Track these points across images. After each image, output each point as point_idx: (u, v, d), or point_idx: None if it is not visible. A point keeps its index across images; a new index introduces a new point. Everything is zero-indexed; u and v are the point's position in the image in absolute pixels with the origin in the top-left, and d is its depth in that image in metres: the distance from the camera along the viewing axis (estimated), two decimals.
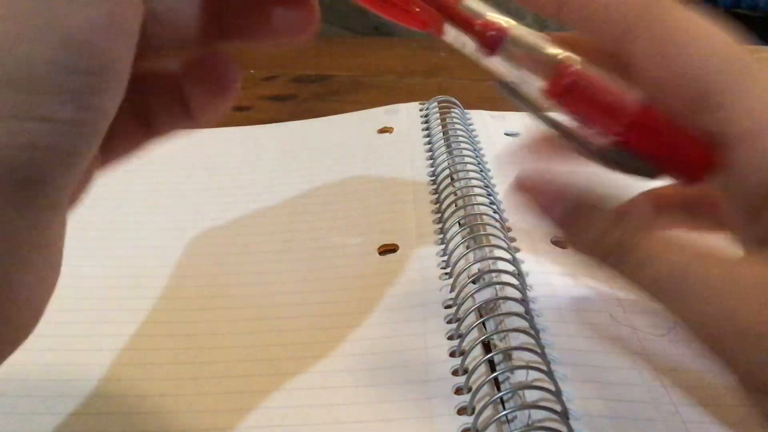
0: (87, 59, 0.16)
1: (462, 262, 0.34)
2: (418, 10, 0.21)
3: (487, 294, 0.32)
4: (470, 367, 0.28)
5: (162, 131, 0.23)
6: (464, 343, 0.29)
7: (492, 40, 0.20)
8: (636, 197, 0.25)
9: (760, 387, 0.19)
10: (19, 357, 0.18)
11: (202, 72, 0.22)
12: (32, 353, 0.22)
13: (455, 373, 0.28)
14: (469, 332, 0.30)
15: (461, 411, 0.26)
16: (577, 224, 0.21)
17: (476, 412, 0.26)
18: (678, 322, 0.20)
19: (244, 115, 0.54)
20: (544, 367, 0.27)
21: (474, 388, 0.27)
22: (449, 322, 0.31)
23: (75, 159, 0.17)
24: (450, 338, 0.30)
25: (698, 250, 0.19)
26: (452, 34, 0.21)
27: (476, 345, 0.29)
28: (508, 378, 0.27)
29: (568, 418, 0.25)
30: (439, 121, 0.48)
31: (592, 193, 0.21)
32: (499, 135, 0.48)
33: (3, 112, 0.15)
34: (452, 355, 0.29)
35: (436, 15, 0.21)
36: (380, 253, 0.37)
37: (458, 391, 0.27)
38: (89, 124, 0.16)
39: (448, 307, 0.32)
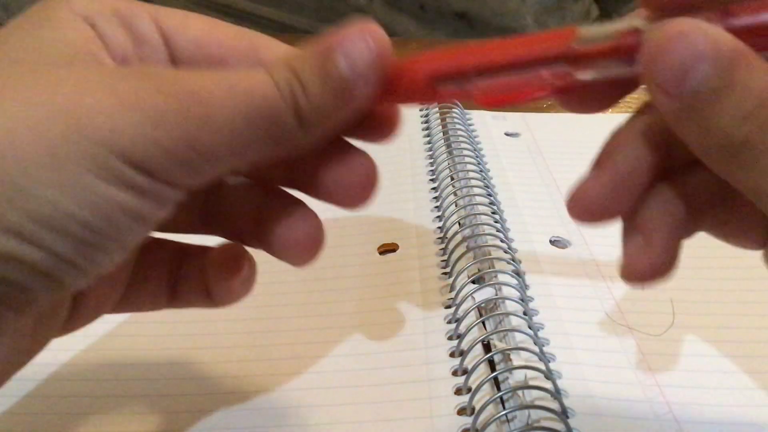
0: (104, 224, 0.17)
1: (462, 262, 0.34)
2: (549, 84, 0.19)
3: (486, 294, 0.32)
4: (470, 367, 0.28)
5: (181, 303, 0.25)
6: (464, 343, 0.29)
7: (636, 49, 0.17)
8: None
9: None
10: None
11: (220, 254, 0.25)
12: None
13: (455, 373, 0.28)
14: (469, 332, 0.30)
15: (461, 411, 0.27)
16: (704, 101, 0.17)
17: (476, 412, 0.26)
18: None
19: None
20: (543, 367, 0.27)
21: (474, 388, 0.27)
22: (449, 322, 0.31)
23: (54, 286, 0.18)
24: (450, 338, 0.30)
25: None
26: (589, 73, 0.18)
27: (476, 345, 0.29)
28: (507, 378, 0.27)
29: (567, 417, 0.26)
30: (439, 121, 0.49)
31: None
32: (500, 135, 0.49)
33: (9, 228, 0.16)
34: (452, 355, 0.29)
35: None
36: (380, 253, 0.37)
37: (458, 391, 0.28)
38: (80, 267, 0.18)
39: (448, 307, 0.32)
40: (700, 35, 0.16)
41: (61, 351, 0.30)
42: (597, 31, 0.18)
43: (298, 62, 0.19)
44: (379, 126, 0.22)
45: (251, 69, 0.19)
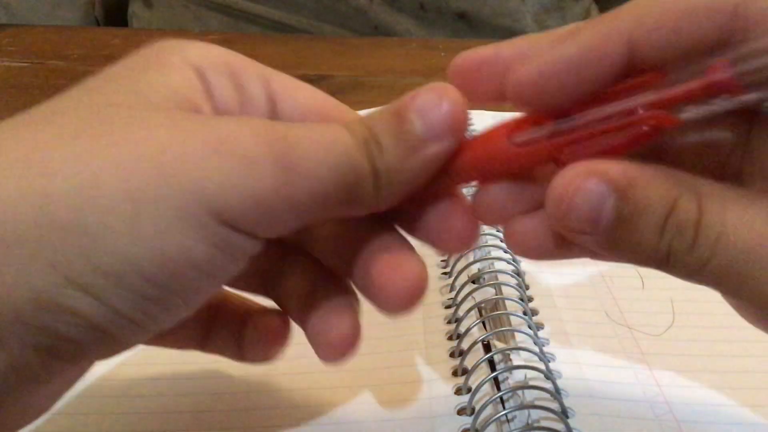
0: (172, 280, 0.17)
1: (462, 262, 0.34)
2: (645, 128, 0.18)
3: (486, 294, 0.32)
4: (470, 367, 0.28)
5: (210, 349, 0.25)
6: (464, 343, 0.29)
7: (732, 82, 0.17)
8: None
9: None
10: None
11: (265, 320, 0.24)
12: None
13: (455, 373, 0.28)
14: (469, 332, 0.30)
15: (461, 411, 0.27)
16: (623, 229, 0.18)
17: (476, 412, 0.26)
18: (754, 305, 0.18)
19: None
20: (543, 367, 0.27)
21: (474, 388, 0.27)
22: (449, 322, 0.31)
23: (107, 341, 0.17)
24: (450, 338, 0.30)
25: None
26: (689, 113, 0.18)
27: (476, 345, 0.29)
28: (507, 378, 0.27)
29: (567, 417, 0.26)
30: None
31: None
32: None
33: (74, 279, 0.16)
34: (452, 355, 0.29)
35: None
36: None
37: (458, 391, 0.28)
38: (138, 324, 0.17)
39: (448, 307, 0.32)
40: (594, 179, 0.17)
41: None
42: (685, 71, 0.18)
43: (373, 121, 0.19)
44: (454, 232, 0.22)
45: (330, 124, 0.19)
